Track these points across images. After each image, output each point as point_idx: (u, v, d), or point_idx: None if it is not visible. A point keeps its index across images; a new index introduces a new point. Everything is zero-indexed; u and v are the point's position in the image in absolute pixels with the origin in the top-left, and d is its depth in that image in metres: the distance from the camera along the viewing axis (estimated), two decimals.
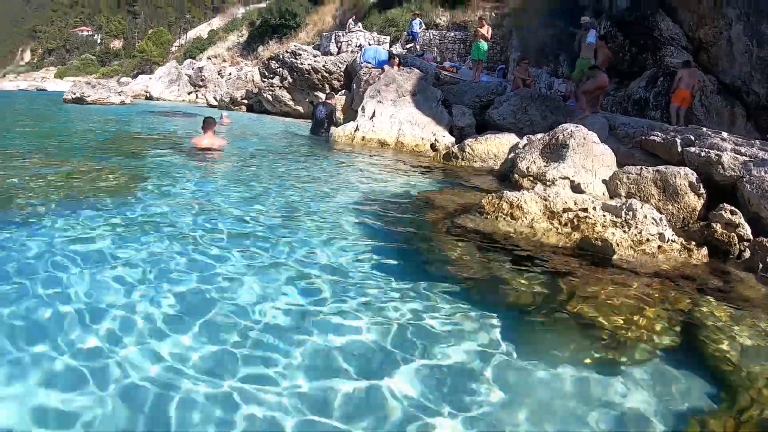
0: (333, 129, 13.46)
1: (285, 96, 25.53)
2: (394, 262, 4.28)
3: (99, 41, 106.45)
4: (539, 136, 8.18)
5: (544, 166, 7.36)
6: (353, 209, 6.00)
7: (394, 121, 12.60)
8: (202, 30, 74.03)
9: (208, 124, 10.17)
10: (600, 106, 13.14)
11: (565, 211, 4.36)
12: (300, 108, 25.19)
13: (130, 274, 3.79)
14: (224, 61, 51.48)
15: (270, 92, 25.95)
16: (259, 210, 5.74)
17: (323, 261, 4.28)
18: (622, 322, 3.26)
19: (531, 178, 7.30)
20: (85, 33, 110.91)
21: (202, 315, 3.29)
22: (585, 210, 4.35)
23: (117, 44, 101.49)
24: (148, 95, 37.87)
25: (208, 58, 53.23)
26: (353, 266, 4.21)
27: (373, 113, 12.85)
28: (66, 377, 2.65)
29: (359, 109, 13.33)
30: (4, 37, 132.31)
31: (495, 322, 3.36)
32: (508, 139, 10.00)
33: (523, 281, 3.78)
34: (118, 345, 2.92)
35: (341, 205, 6.21)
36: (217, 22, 73.39)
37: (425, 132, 12.33)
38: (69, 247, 4.18)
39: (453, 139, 12.16)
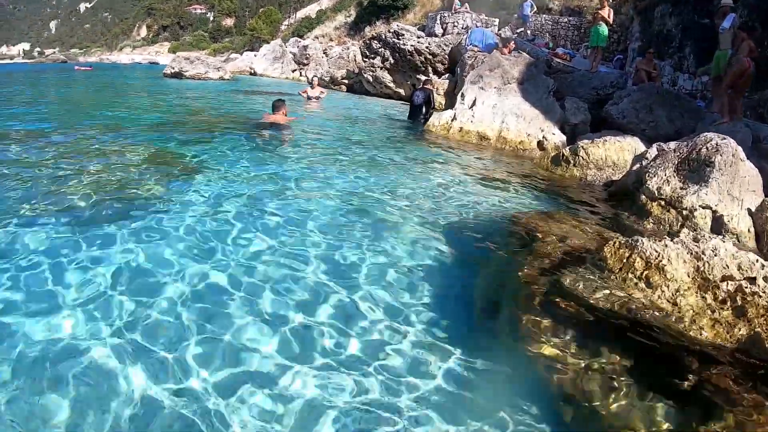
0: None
1: (386, 77, 24.56)
2: (457, 358, 3.05)
3: (211, 19, 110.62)
4: (673, 145, 6.66)
5: (681, 188, 5.87)
6: (426, 237, 4.70)
7: (497, 111, 11.22)
8: (311, 10, 75.31)
9: (276, 108, 10.39)
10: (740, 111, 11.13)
11: (724, 280, 3.03)
12: (401, 90, 24.20)
13: None
14: (331, 40, 51.56)
15: (371, 72, 25.04)
16: (301, 227, 4.70)
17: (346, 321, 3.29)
18: None
19: (662, 203, 5.83)
20: (199, 11, 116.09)
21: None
22: (753, 281, 3.00)
23: (228, 22, 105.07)
24: (252, 71, 38.21)
25: (315, 38, 53.38)
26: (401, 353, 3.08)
27: (474, 101, 11.52)
28: None
29: (458, 96, 12.05)
30: (123, 13, 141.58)
31: None
32: (631, 143, 8.46)
33: (646, 417, 2.41)
34: None
35: (411, 228, 4.90)
36: (326, 2, 74.09)
37: (532, 127, 10.87)
38: None
39: (564, 138, 10.63)
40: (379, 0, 47.45)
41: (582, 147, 8.23)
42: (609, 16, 14.85)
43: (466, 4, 29.45)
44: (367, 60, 25.61)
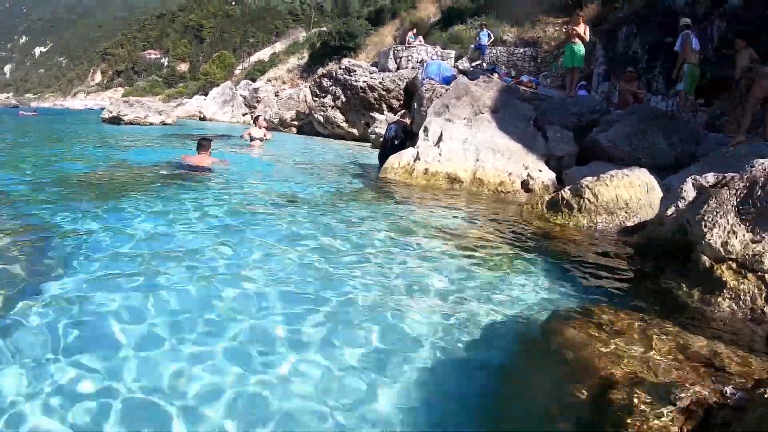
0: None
1: (338, 117, 22.93)
2: None
3: (166, 64, 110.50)
4: (711, 179, 4.87)
5: (753, 239, 4.01)
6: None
7: (469, 147, 9.31)
8: (264, 54, 76.26)
9: (203, 147, 9.41)
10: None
11: None
12: (354, 130, 22.64)
13: None
14: (284, 83, 51.00)
15: (321, 112, 23.38)
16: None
17: None
18: None
19: (734, 265, 3.91)
20: (153, 56, 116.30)
21: None
22: None
23: (183, 67, 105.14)
24: (202, 116, 36.30)
25: (268, 80, 52.55)
26: None
27: (440, 136, 9.60)
28: None
29: (420, 131, 10.16)
30: (78, 58, 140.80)
31: None
32: (640, 177, 6.61)
33: None
34: None
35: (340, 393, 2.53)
36: (279, 46, 74.48)
37: (512, 163, 8.96)
38: None
39: (553, 175, 8.73)
40: (332, 41, 47.18)
41: (587, 187, 6.32)
42: (585, 33, 13.09)
43: (420, 37, 28.19)
44: (317, 99, 24.00)
